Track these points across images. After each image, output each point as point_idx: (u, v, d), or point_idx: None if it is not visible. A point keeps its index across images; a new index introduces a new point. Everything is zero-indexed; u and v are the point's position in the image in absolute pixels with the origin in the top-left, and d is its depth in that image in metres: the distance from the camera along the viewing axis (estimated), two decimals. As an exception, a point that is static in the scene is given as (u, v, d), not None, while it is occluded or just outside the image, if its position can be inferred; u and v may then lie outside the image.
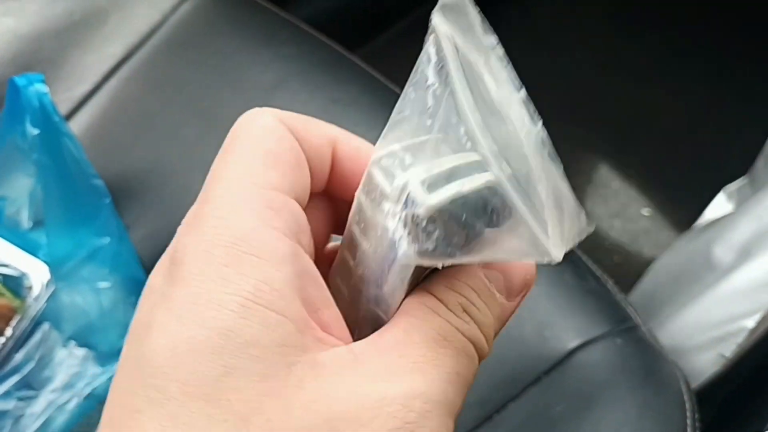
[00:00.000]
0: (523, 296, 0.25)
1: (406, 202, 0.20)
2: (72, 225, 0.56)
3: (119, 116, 0.70)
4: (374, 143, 0.25)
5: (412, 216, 0.20)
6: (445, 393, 0.21)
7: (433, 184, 0.20)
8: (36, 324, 0.57)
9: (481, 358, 0.24)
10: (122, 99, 0.71)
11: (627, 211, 1.11)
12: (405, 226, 0.20)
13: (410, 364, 0.21)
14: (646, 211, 1.11)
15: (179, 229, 0.23)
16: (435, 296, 0.23)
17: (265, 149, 0.23)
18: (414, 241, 0.20)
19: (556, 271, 0.57)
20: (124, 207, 0.63)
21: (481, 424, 0.52)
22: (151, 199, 0.64)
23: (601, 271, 0.59)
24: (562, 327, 0.54)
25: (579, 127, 1.16)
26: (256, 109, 0.24)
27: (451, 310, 0.23)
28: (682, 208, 1.08)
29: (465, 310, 0.23)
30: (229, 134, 0.24)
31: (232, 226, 0.21)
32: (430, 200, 0.20)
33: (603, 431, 0.48)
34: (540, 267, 0.57)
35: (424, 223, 0.20)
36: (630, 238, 1.09)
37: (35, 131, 0.53)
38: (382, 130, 0.24)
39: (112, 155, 0.68)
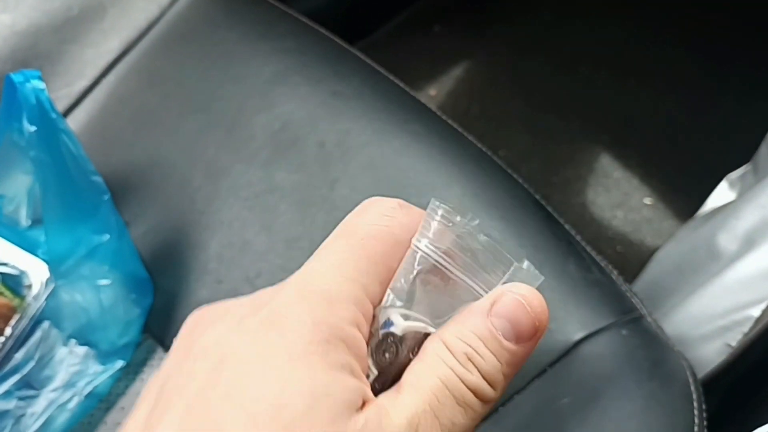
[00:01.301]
0: (537, 340, 0.27)
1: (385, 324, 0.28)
2: (71, 222, 0.56)
3: (118, 111, 0.70)
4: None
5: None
6: None
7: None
8: (36, 323, 0.57)
9: (485, 403, 0.27)
10: (121, 94, 0.70)
11: (629, 200, 1.10)
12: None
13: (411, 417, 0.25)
14: (648, 201, 1.10)
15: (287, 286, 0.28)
16: (445, 344, 0.27)
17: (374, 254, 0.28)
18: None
19: (561, 263, 0.57)
20: (124, 203, 0.63)
21: (487, 417, 0.52)
22: (151, 194, 0.64)
23: (605, 262, 0.59)
24: (567, 319, 0.54)
25: (580, 119, 1.16)
26: (378, 207, 0.31)
27: (456, 359, 0.26)
28: (685, 196, 1.07)
29: (470, 359, 0.26)
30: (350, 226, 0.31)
31: (334, 315, 0.26)
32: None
33: (609, 423, 0.47)
34: (544, 259, 0.56)
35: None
36: (632, 228, 1.09)
37: (32, 128, 0.53)
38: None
39: (111, 151, 0.67)
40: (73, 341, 0.57)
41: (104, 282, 0.57)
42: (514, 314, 0.26)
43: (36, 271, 0.57)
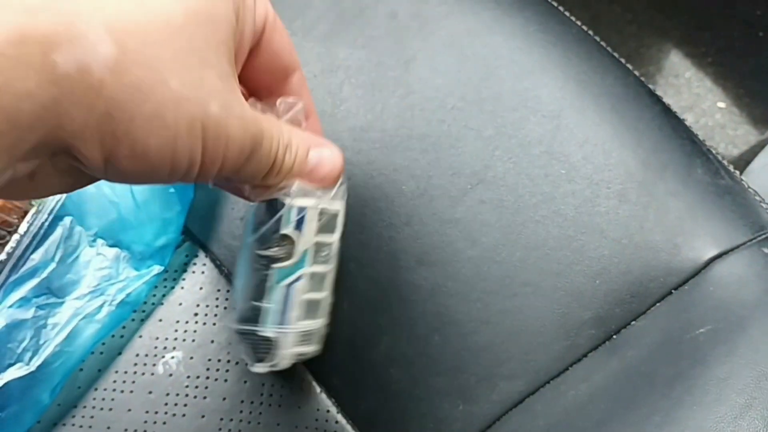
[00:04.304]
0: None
1: None
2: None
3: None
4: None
5: None
6: None
7: None
8: (56, 218, 0.48)
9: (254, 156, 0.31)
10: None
11: (701, 103, 1.00)
12: None
13: None
14: (721, 104, 1.00)
15: None
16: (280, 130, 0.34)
17: None
18: None
19: (686, 165, 0.47)
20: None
21: (598, 346, 0.44)
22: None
23: (732, 167, 0.49)
24: (696, 233, 0.44)
25: (649, 9, 1.04)
26: None
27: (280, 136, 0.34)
28: (762, 101, 0.97)
29: (286, 145, 0.34)
30: None
31: None
32: None
33: (763, 358, 0.39)
34: (667, 160, 0.46)
35: None
36: (704, 134, 0.98)
37: None
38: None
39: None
40: (100, 241, 0.48)
41: (137, 172, 0.47)
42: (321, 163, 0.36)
43: (55, 157, 0.47)
